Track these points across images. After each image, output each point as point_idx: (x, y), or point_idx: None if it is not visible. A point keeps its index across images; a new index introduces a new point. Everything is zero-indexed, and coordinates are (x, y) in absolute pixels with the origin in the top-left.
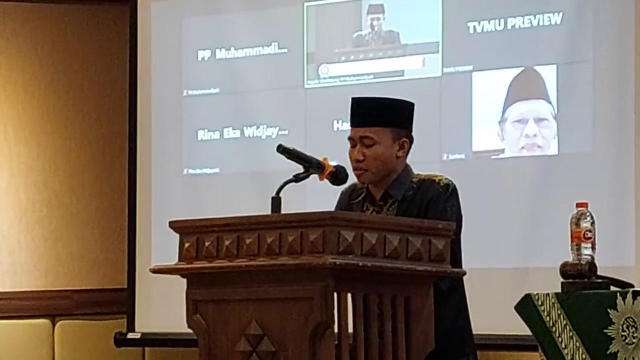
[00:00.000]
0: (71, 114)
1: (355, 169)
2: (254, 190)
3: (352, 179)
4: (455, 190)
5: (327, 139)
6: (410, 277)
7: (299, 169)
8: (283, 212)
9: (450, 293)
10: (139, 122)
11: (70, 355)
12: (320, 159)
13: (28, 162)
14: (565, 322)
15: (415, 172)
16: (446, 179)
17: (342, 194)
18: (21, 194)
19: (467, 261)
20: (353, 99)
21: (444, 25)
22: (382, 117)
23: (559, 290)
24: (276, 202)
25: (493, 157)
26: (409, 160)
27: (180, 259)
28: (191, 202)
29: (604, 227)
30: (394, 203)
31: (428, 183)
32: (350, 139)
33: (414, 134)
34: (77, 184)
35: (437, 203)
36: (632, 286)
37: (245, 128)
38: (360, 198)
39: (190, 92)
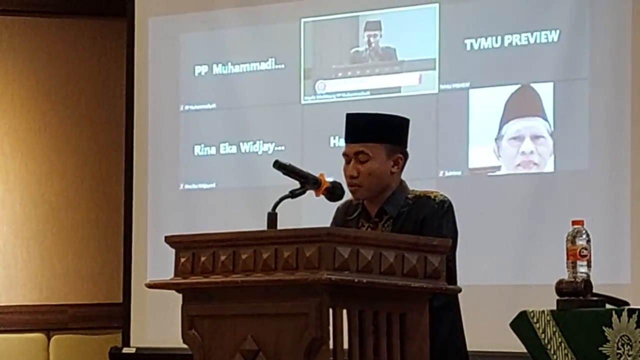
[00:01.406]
0: (67, 128)
1: (349, 185)
2: (249, 206)
3: (348, 195)
4: (450, 207)
5: (324, 154)
6: (405, 293)
7: (295, 184)
8: (279, 227)
9: (445, 310)
10: (135, 136)
11: None
12: (317, 174)
13: (24, 176)
14: (560, 340)
15: (411, 188)
16: (441, 195)
17: (338, 209)
18: (17, 208)
19: (463, 278)
20: (347, 114)
21: (441, 42)
22: (376, 133)
23: (554, 307)
24: (272, 217)
25: (489, 174)
26: (404, 176)
27: (176, 274)
28: (187, 216)
29: (599, 244)
30: (389, 219)
31: (423, 199)
32: (344, 154)
33: (409, 149)
34: (72, 198)
35: (432, 219)
36: (627, 304)
37: (241, 143)
38: (356, 214)
39: (186, 107)
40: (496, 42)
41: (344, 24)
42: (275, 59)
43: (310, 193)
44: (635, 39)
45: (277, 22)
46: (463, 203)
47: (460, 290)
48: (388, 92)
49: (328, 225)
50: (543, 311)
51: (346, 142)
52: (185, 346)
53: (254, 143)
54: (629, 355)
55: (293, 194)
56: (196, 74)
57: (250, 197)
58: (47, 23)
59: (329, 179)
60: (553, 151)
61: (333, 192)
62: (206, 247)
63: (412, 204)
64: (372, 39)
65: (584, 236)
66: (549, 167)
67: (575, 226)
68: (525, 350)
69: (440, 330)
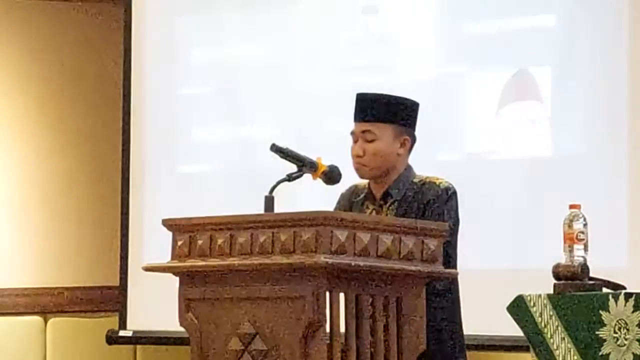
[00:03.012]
0: (64, 111)
1: (354, 164)
2: (246, 189)
3: (346, 179)
4: (454, 194)
5: (320, 138)
6: (402, 277)
7: (292, 168)
8: (276, 211)
9: (442, 297)
10: (132, 119)
11: (62, 353)
12: (314, 158)
13: (21, 159)
14: (557, 323)
15: (417, 172)
16: (447, 182)
17: (342, 195)
18: (14, 191)
19: (460, 262)
20: (357, 94)
21: (438, 26)
22: (384, 113)
23: (551, 291)
24: (269, 201)
25: (486, 158)
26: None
27: (173, 257)
28: (184, 200)
29: (596, 228)
30: (393, 202)
31: (428, 185)
32: (352, 133)
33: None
34: (69, 181)
35: (435, 205)
36: (624, 288)
37: (238, 126)
38: (362, 196)
39: (183, 91)
40: (493, 25)
41: (341, 8)
42: (271, 42)
43: (307, 176)
44: (632, 22)
45: (273, 5)
46: (460, 187)
47: (456, 274)
48: (385, 76)
49: (325, 208)
50: (540, 295)
51: (354, 120)
52: (182, 329)
53: (251, 126)
54: (626, 339)
55: (290, 178)
56: (193, 58)
57: (247, 180)
58: (44, 6)
59: (326, 163)
60: (550, 135)
61: (330, 175)
62: (203, 230)
63: (418, 188)
64: (368, 22)
65: (581, 220)
66: (547, 151)
67: (573, 210)
68: (522, 334)
69: (436, 316)
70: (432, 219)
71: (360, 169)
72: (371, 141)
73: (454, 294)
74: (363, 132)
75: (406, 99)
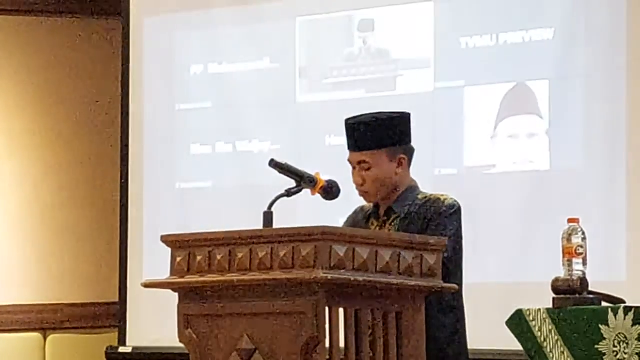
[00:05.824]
0: (63, 127)
1: (358, 192)
2: (245, 205)
3: (344, 195)
4: (458, 210)
5: (319, 153)
6: (401, 291)
7: (291, 183)
8: (275, 226)
9: (445, 314)
10: (131, 135)
11: None
12: (312, 173)
13: (20, 176)
14: (556, 338)
15: (423, 189)
16: (452, 198)
17: (347, 218)
18: (13, 207)
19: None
20: (346, 122)
21: (436, 40)
22: (376, 139)
23: (550, 305)
24: (268, 216)
25: (484, 172)
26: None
27: (172, 273)
28: (183, 216)
29: (595, 242)
30: (396, 218)
31: (432, 201)
32: (349, 161)
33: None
34: (68, 197)
35: (438, 220)
36: (623, 301)
37: (237, 142)
38: (369, 213)
39: (182, 106)
40: (491, 40)
41: (339, 23)
42: (270, 57)
43: (306, 192)
44: (630, 36)
45: (272, 20)
46: (459, 201)
47: (455, 289)
48: (383, 91)
49: (324, 224)
50: (539, 309)
51: (348, 149)
52: (181, 345)
53: (250, 142)
54: (625, 353)
55: (289, 193)
56: (192, 73)
57: (246, 196)
58: (42, 22)
59: (325, 178)
60: (549, 149)
61: (329, 190)
62: (202, 246)
63: (421, 205)
64: (366, 38)
65: (580, 234)
66: (545, 165)
67: (571, 224)
68: (521, 348)
69: (440, 335)
70: (434, 233)
71: (364, 196)
72: (368, 169)
73: (459, 311)
74: (359, 162)
75: (395, 116)
